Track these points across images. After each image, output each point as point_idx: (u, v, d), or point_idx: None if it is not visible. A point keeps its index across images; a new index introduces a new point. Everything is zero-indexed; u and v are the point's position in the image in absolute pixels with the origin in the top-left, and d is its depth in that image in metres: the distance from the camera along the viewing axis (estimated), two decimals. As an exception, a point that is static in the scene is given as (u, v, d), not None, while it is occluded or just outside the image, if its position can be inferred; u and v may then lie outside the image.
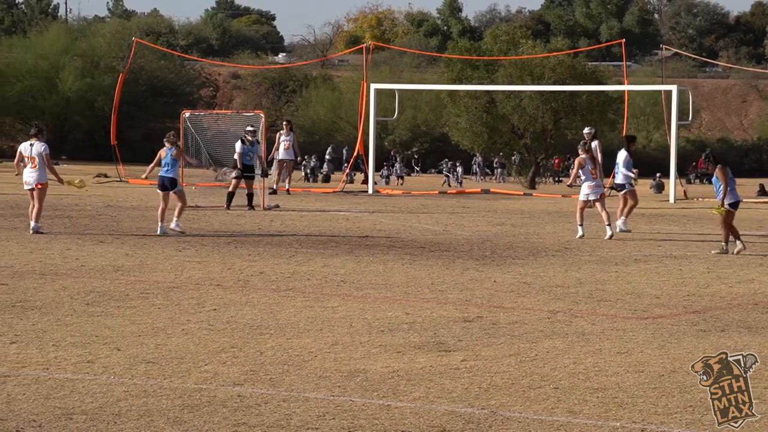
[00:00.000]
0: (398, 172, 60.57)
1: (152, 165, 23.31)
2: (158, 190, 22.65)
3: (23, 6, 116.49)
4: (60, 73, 73.49)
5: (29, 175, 21.58)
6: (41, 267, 16.85)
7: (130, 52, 49.85)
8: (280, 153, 35.90)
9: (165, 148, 22.58)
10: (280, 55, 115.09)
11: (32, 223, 21.31)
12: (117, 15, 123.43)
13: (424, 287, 15.71)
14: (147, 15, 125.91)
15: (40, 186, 21.46)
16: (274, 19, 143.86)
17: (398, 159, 64.81)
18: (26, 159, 21.65)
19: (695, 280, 17.06)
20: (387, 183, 56.20)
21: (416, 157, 75.07)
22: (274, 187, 36.59)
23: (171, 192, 22.35)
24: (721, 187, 20.93)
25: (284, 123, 37.53)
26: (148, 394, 9.20)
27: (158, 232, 21.85)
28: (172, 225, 22.15)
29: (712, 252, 20.88)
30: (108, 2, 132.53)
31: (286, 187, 36.29)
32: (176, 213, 22.34)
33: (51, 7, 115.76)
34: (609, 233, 23.02)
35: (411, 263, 18.41)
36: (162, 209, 22.12)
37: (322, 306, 13.85)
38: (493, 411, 8.89)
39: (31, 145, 21.61)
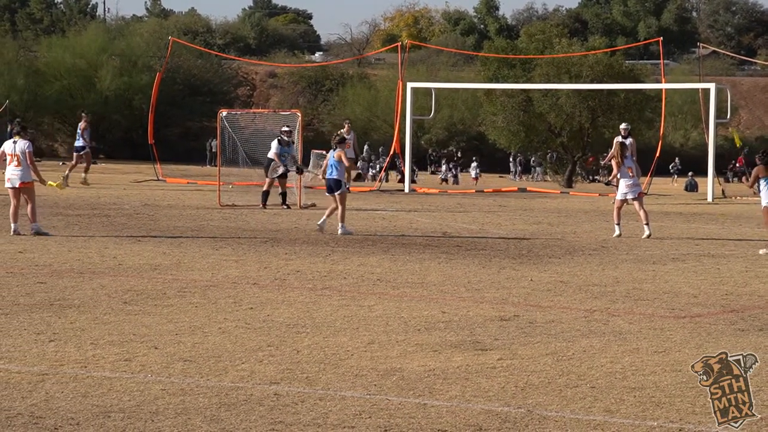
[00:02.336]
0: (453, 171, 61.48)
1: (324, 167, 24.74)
2: (327, 193, 23.19)
3: (62, 6, 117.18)
4: (98, 72, 73.85)
5: (12, 173, 20.99)
6: (79, 265, 16.94)
7: (167, 51, 50.00)
8: None
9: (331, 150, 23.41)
10: (316, 54, 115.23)
11: (31, 225, 20.84)
12: (155, 14, 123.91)
13: (460, 286, 15.69)
14: (184, 14, 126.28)
15: (24, 185, 20.91)
16: (311, 18, 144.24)
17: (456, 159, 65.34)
18: (9, 157, 21.07)
19: (733, 279, 16.96)
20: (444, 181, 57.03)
21: (458, 156, 74.91)
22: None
23: (335, 194, 22.66)
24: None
25: (346, 122, 38.54)
26: (185, 392, 9.23)
27: (339, 232, 22.21)
28: (339, 231, 22.34)
29: (760, 251, 20.70)
30: (146, 1, 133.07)
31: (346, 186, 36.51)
32: (339, 216, 22.54)
33: (89, 6, 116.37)
34: (647, 232, 22.92)
35: (447, 262, 18.40)
36: (332, 209, 22.63)
37: (359, 305, 13.86)
38: (529, 410, 8.87)
39: (15, 142, 21.06)
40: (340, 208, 22.53)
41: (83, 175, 36.43)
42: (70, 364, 10.20)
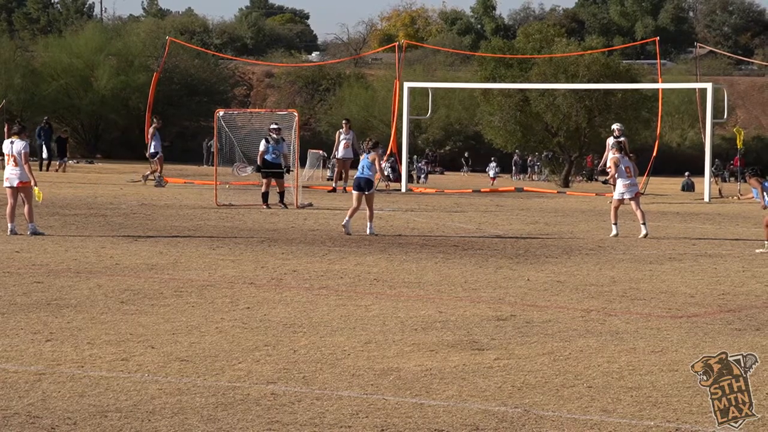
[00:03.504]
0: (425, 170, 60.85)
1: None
2: (353, 191, 23.23)
3: (59, 6, 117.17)
4: (95, 71, 73.85)
5: (11, 172, 21.06)
6: (76, 265, 16.93)
7: (164, 51, 50.01)
8: (340, 151, 36.43)
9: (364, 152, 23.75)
10: (313, 54, 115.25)
11: (29, 225, 20.79)
12: (152, 14, 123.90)
13: (457, 285, 15.70)
14: (181, 14, 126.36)
15: (22, 184, 20.93)
16: (307, 17, 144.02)
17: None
18: (7, 157, 21.17)
19: (730, 279, 16.97)
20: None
21: (466, 155, 74.71)
22: (334, 186, 36.81)
23: (366, 193, 22.87)
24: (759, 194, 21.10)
25: (344, 122, 38.37)
26: (182, 392, 9.23)
27: (343, 226, 22.45)
28: (368, 231, 22.59)
29: (757, 251, 20.75)
30: (143, 1, 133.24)
31: (343, 186, 36.29)
32: (368, 216, 22.72)
33: (86, 6, 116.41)
34: (643, 232, 22.93)
35: (444, 261, 18.40)
36: (353, 209, 22.79)
37: (355, 304, 13.86)
38: (526, 410, 8.87)
39: (12, 143, 21.13)
40: (368, 208, 22.82)
41: (152, 176, 36.98)
42: (67, 364, 10.19)
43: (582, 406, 9.03)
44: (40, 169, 45.15)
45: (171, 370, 10.02)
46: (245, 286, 15.27)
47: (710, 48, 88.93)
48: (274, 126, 29.35)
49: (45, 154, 47.72)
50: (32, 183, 21.22)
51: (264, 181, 29.03)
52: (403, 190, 40.24)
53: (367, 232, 22.54)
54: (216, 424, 8.30)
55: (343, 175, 37.05)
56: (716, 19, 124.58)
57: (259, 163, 28.97)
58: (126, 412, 8.56)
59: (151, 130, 37.33)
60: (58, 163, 47.67)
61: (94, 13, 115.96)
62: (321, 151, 51.29)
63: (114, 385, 9.42)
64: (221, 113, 33.14)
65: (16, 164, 20.98)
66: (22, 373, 9.79)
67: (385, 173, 31.09)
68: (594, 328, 12.53)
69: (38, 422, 8.26)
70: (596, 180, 54.79)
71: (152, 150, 37.22)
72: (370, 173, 23.06)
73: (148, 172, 38.01)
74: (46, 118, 52.49)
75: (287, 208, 28.65)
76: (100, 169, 47.34)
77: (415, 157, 65.38)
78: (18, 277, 15.57)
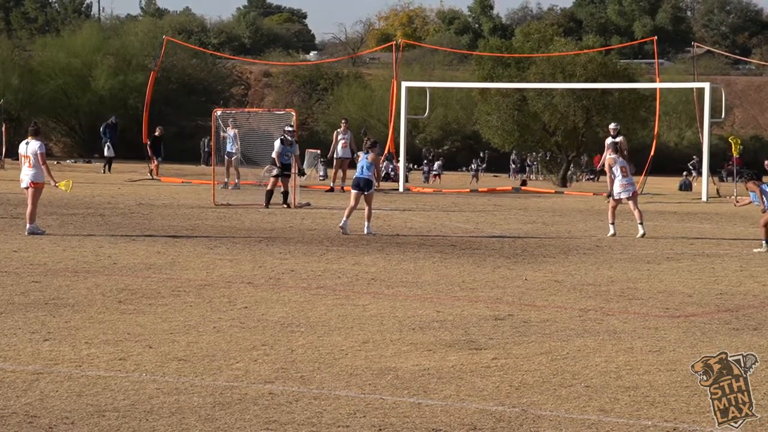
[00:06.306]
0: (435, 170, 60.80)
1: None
2: (352, 190, 23.23)
3: (56, 5, 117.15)
4: (93, 71, 73.78)
5: (24, 173, 21.16)
6: (74, 264, 16.93)
7: (162, 50, 50.00)
8: (338, 151, 36.41)
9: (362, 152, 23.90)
10: (311, 53, 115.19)
11: (27, 225, 20.84)
12: (149, 14, 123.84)
13: (454, 285, 15.70)
14: (179, 13, 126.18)
15: (33, 185, 20.98)
16: (305, 17, 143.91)
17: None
18: (22, 158, 21.24)
19: (728, 279, 16.98)
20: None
21: (481, 155, 74.42)
22: (332, 185, 36.77)
23: (365, 193, 22.87)
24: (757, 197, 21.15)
25: (342, 121, 38.39)
26: (180, 391, 9.23)
27: (341, 227, 22.35)
28: (365, 230, 22.57)
29: (754, 250, 20.78)
30: (140, 1, 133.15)
31: (341, 186, 36.27)
32: (366, 215, 22.71)
33: (84, 6, 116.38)
34: (641, 231, 22.94)
35: (442, 261, 18.40)
36: (351, 208, 22.77)
37: (353, 304, 13.86)
38: (523, 409, 8.88)
39: (27, 143, 21.19)
40: (367, 207, 22.80)
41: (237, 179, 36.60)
42: (65, 363, 10.19)
43: (579, 406, 9.04)
44: (104, 172, 44.93)
45: (169, 369, 10.02)
46: (243, 285, 15.27)
47: (708, 47, 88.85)
48: (290, 128, 29.37)
49: (107, 152, 46.68)
50: (52, 182, 21.28)
51: (272, 180, 29.02)
52: (401, 189, 40.24)
53: (365, 231, 22.54)
54: (214, 423, 8.30)
55: (342, 175, 37.04)
56: (714, 18, 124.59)
57: (277, 164, 28.90)
58: (123, 412, 8.56)
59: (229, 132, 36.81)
60: (154, 163, 45.77)
61: (91, 13, 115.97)
62: (318, 151, 51.30)
63: (112, 384, 9.42)
64: (219, 112, 33.13)
65: (31, 165, 21.06)
66: (20, 373, 9.79)
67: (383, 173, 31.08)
68: (591, 327, 12.54)
69: (36, 422, 8.26)
70: (596, 179, 54.76)
71: (228, 150, 36.22)
72: (370, 173, 23.06)
73: (237, 179, 36.80)
74: (114, 116, 51.52)
75: (290, 207, 28.65)
76: (98, 168, 47.31)
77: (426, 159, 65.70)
78: (16, 276, 15.57)
